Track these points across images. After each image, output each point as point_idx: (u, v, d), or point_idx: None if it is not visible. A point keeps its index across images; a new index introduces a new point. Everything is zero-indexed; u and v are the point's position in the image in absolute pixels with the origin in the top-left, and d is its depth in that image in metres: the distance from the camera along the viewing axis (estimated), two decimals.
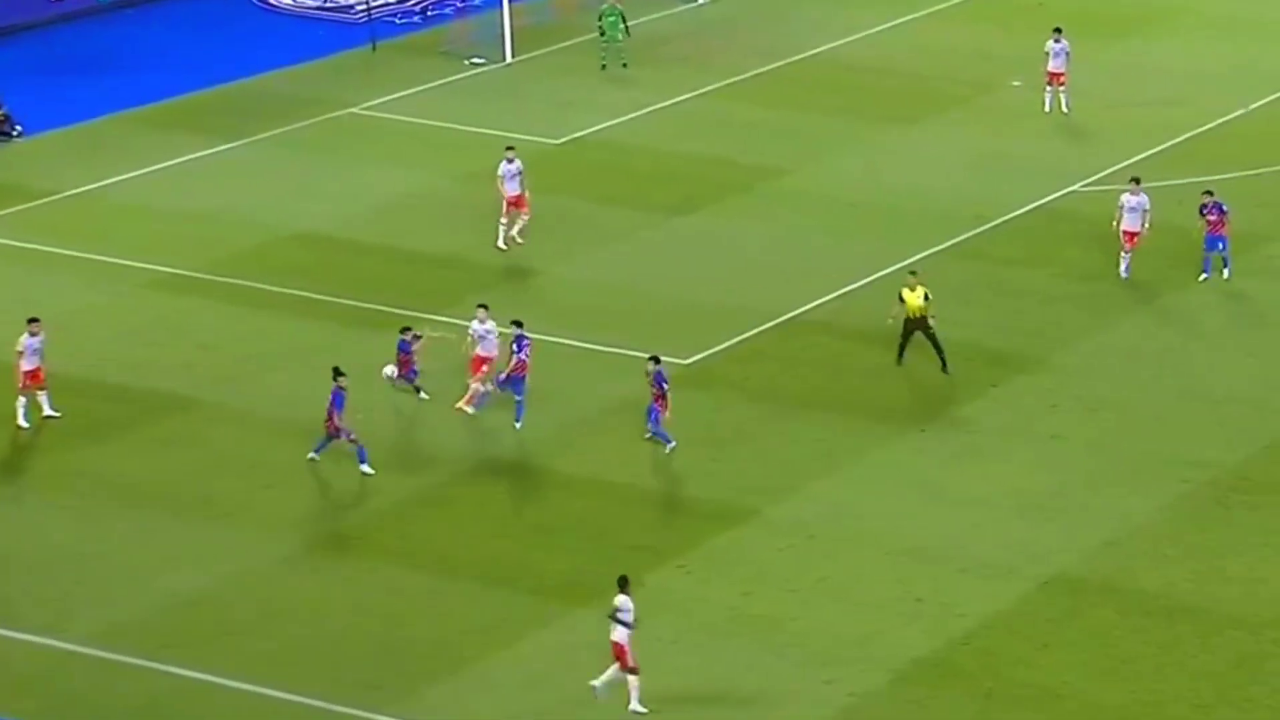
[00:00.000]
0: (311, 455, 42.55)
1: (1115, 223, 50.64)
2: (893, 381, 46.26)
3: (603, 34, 63.96)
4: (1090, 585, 38.43)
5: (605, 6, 63.57)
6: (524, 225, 52.36)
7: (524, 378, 43.88)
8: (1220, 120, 60.29)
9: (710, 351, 47.74)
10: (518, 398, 44.04)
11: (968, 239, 53.28)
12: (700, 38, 68.70)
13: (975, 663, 36.26)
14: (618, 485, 42.32)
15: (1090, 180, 56.53)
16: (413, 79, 64.97)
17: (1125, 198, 50.59)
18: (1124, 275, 50.37)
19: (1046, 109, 60.18)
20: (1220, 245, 49.97)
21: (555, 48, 67.26)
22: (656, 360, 43.44)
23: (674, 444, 42.90)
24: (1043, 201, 55.28)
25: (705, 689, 35.71)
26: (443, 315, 48.57)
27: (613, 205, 55.90)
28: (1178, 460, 42.55)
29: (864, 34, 68.16)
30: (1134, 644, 36.60)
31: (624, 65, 63.14)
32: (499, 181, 52.34)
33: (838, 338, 48.42)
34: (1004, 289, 50.64)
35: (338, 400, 42.09)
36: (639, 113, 62.08)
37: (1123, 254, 50.44)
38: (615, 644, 34.76)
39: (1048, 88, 60.27)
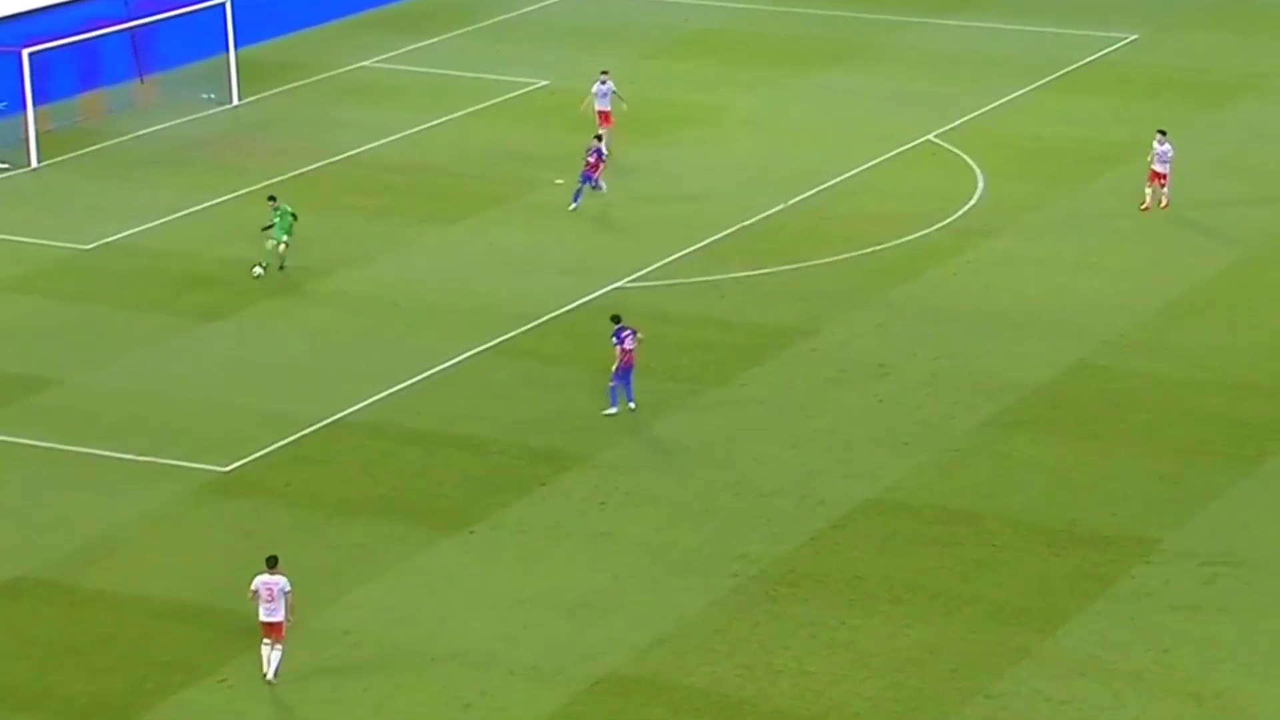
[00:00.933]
0: None
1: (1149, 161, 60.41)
2: (438, 483, 45.80)
3: (274, 229, 56.89)
4: (640, 684, 38.22)
5: (273, 209, 57.12)
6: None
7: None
8: (761, 215, 61.36)
9: (251, 458, 46.76)
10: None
11: (512, 337, 53.25)
12: (234, 140, 68.11)
13: None
14: (150, 599, 40.98)
15: (635, 276, 56.99)
16: None
17: (1157, 148, 60.09)
18: (1151, 205, 60.25)
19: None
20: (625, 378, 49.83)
21: (82, 152, 66.44)
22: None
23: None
24: (588, 298, 55.52)
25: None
26: None
27: (143, 310, 54.76)
28: (726, 554, 42.75)
29: (403, 134, 68.13)
30: None
31: (281, 268, 56.89)
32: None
33: (381, 439, 47.87)
34: (550, 385, 50.64)
35: None
36: (171, 216, 61.14)
37: (1150, 189, 60.32)
38: (277, 624, 36.93)
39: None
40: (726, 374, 51.18)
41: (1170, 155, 60.30)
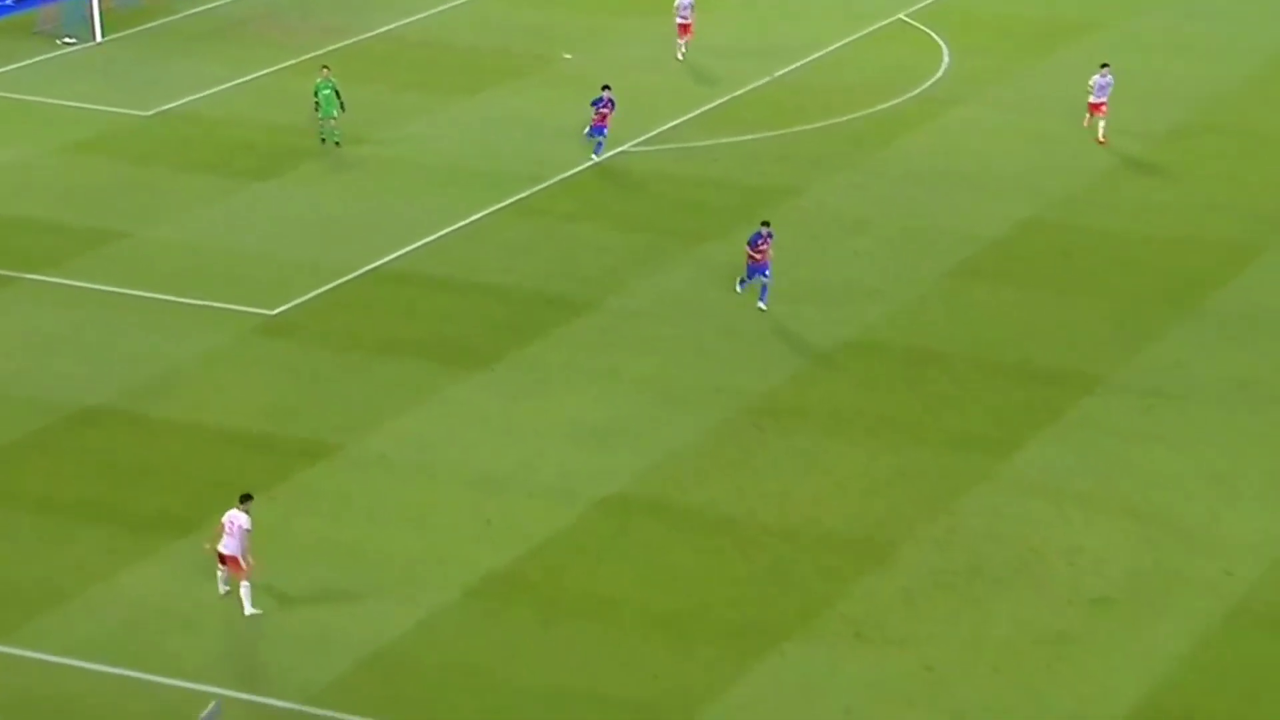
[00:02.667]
0: None
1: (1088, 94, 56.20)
2: (463, 326, 45.88)
3: (318, 108, 56.47)
4: (641, 504, 38.47)
5: (319, 81, 56.46)
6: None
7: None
8: (748, 87, 61.09)
9: (295, 302, 46.74)
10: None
11: (527, 196, 53.15)
12: (278, 18, 67.53)
13: (541, 576, 36.01)
14: (209, 427, 41.15)
15: (639, 141, 56.79)
16: (6, 58, 62.60)
17: (1095, 79, 55.88)
18: (1101, 139, 55.59)
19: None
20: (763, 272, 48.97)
21: (141, 28, 65.76)
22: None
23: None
24: (595, 161, 55.34)
25: (297, 607, 34.85)
26: (45, 275, 47.12)
27: (199, 172, 54.51)
28: (719, 390, 42.89)
29: (429, 13, 67.59)
30: (681, 555, 36.74)
31: (337, 144, 56.01)
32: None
33: (412, 287, 47.87)
34: (562, 241, 50.57)
35: None
36: (222, 87, 60.69)
37: (1092, 119, 56.11)
38: (231, 557, 34.53)
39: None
40: (721, 230, 51.09)
41: (1110, 87, 55.80)
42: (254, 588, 34.72)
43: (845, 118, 58.56)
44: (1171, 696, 32.51)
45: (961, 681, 32.96)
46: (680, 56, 62.95)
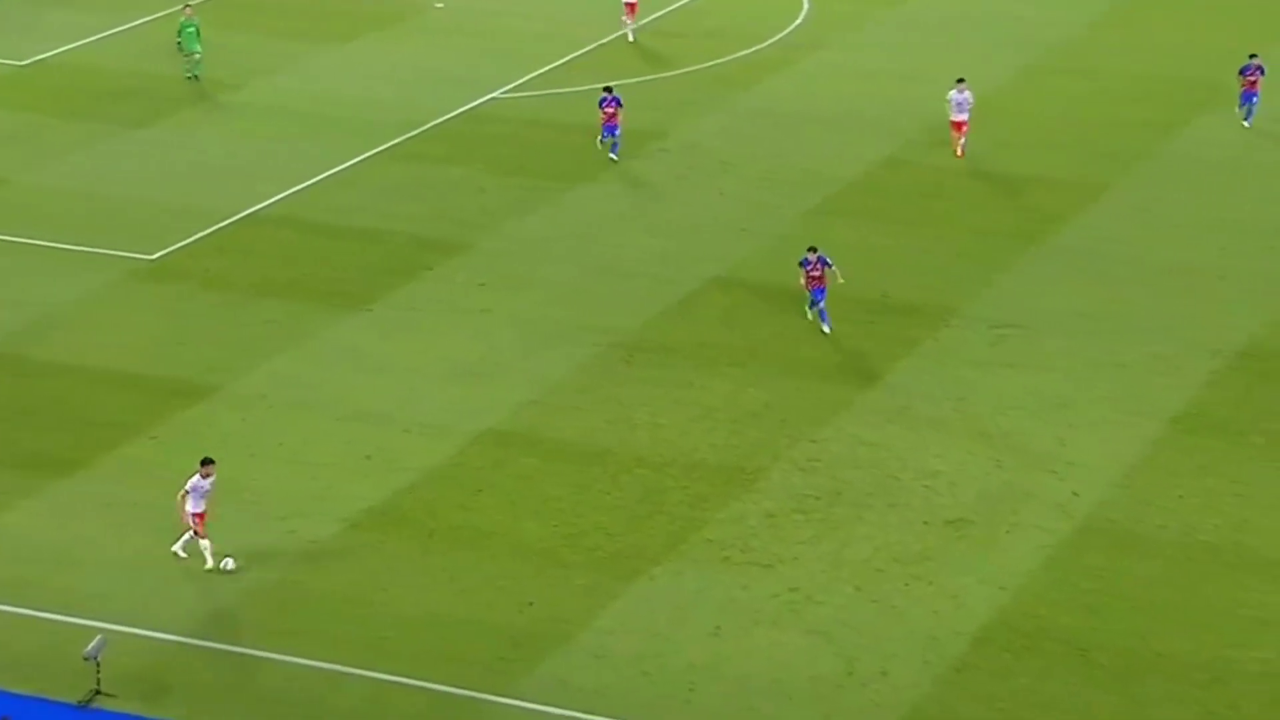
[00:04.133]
0: None
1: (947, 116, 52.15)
2: (340, 268, 45.68)
3: (180, 46, 56.73)
4: (517, 437, 38.55)
5: (182, 19, 56.68)
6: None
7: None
8: (616, 34, 61.04)
9: (173, 248, 46.40)
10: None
11: (402, 142, 52.93)
12: None
13: (419, 509, 36.03)
14: (90, 369, 40.82)
15: (510, 87, 56.68)
16: None
17: (953, 94, 51.72)
18: (959, 154, 51.69)
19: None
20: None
21: None
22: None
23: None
24: (467, 107, 55.23)
25: (170, 548, 34.72)
26: None
27: (76, 120, 53.97)
28: (591, 327, 42.98)
29: None
30: (555, 486, 36.85)
31: (197, 78, 56.14)
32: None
33: (289, 231, 47.62)
34: (437, 185, 50.43)
35: None
36: (97, 36, 60.05)
37: (958, 140, 51.87)
38: (195, 515, 33.77)
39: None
40: (591, 172, 51.14)
41: (969, 103, 51.59)
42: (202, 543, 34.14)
43: (710, 63, 58.66)
44: (1022, 611, 33.02)
45: (824, 600, 33.33)
46: (630, 38, 60.36)
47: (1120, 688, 30.99)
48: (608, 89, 51.99)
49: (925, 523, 35.56)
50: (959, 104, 51.55)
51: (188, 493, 33.82)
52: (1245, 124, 53.09)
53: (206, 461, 34.16)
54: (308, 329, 42.72)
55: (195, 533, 33.95)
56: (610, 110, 51.48)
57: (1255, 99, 52.81)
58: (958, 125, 51.65)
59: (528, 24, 62.04)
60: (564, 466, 37.47)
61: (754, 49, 59.80)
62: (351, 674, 31.43)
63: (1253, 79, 52.59)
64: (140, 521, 35.18)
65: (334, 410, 39.41)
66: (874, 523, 35.62)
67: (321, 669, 31.52)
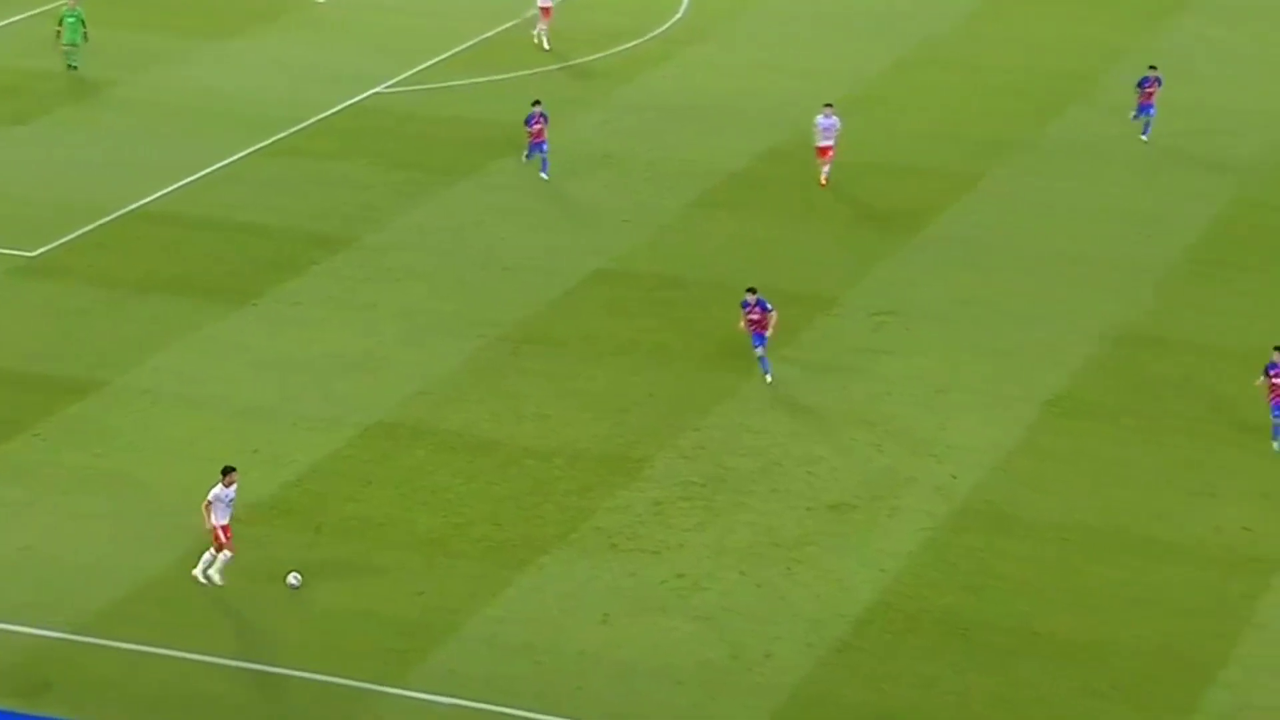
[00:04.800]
0: None
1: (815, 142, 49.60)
2: (225, 263, 45.31)
3: (59, 36, 55.64)
4: (404, 429, 38.39)
5: (65, 9, 55.74)
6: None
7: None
8: (499, 29, 60.94)
9: (55, 244, 45.86)
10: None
11: (286, 137, 52.58)
12: None
13: (307, 502, 35.80)
14: None
15: (393, 82, 56.47)
16: None
17: (819, 120, 49.20)
18: (823, 182, 49.18)
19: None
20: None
21: None
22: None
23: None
24: (350, 102, 54.96)
25: (67, 538, 34.31)
26: None
27: None
28: (477, 320, 42.87)
29: None
30: (443, 477, 36.75)
31: (75, 68, 55.43)
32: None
33: (173, 227, 47.20)
34: (322, 179, 50.14)
35: None
36: None
37: (823, 167, 49.28)
38: (223, 528, 32.84)
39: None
40: (476, 165, 51.03)
41: (835, 128, 49.35)
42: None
43: (590, 58, 58.67)
44: (903, 592, 33.27)
45: (709, 586, 33.43)
46: (545, 46, 58.83)
47: (1000, 667, 31.30)
48: (536, 103, 50.05)
49: (808, 508, 35.75)
50: (825, 129, 49.11)
51: (211, 503, 32.92)
52: (1143, 137, 52.09)
53: (228, 470, 33.13)
54: (193, 324, 42.34)
55: (218, 546, 32.93)
56: (538, 127, 49.49)
57: (1152, 111, 51.88)
58: (823, 151, 49.33)
59: (409, 19, 61.81)
60: (452, 457, 37.38)
61: (634, 43, 59.86)
62: (240, 667, 31.21)
63: (1150, 90, 51.77)
64: (26, 519, 34.74)
65: (221, 405, 39.10)
66: (757, 508, 35.77)
67: (210, 663, 31.28)
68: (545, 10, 59.08)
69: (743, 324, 40.32)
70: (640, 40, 60.18)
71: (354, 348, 41.61)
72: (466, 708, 30.37)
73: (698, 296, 44.04)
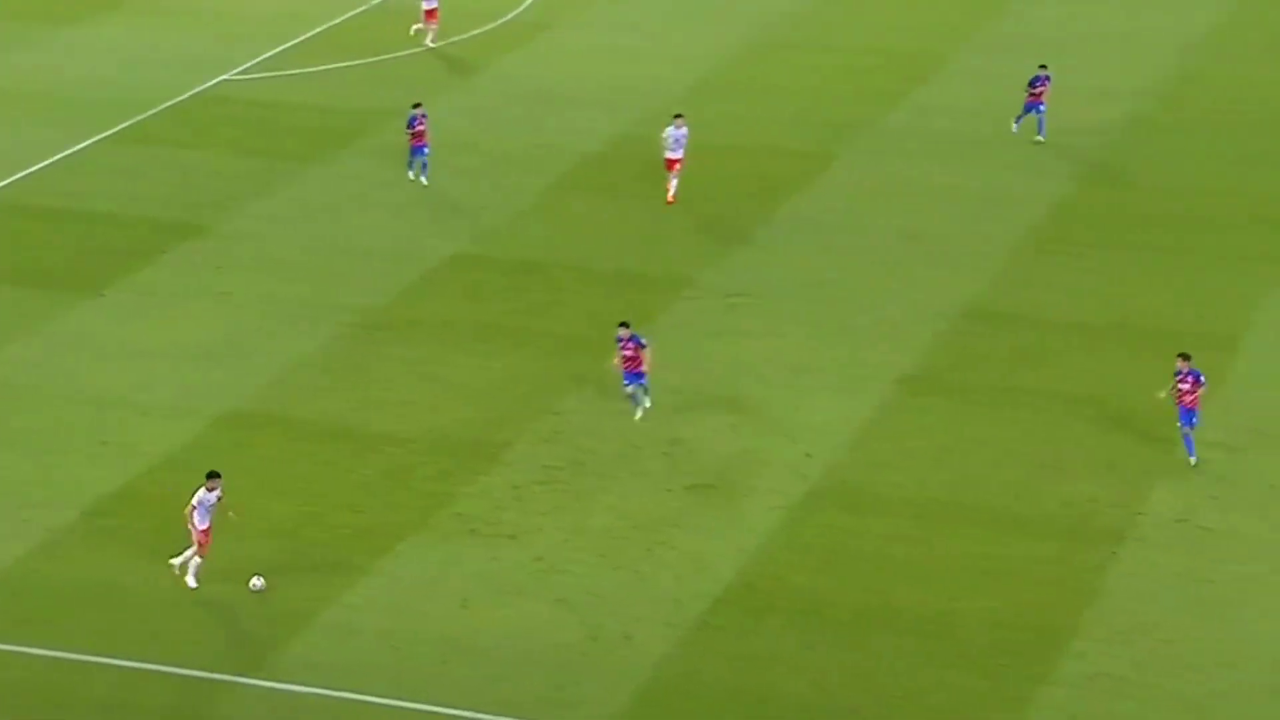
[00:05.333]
0: None
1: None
2: (73, 252, 44.78)
3: None
4: (258, 418, 38.12)
5: None
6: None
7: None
8: (346, 15, 60.62)
9: None
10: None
11: (133, 124, 51.98)
12: None
13: (158, 493, 35.29)
14: None
15: (242, 69, 55.99)
16: None
17: (669, 131, 47.38)
18: (670, 199, 47.38)
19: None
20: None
21: None
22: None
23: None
24: (199, 89, 54.42)
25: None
26: None
27: None
28: (333, 306, 42.64)
29: None
30: (300, 465, 36.53)
31: None
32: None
33: (18, 217, 46.55)
34: (171, 167, 49.64)
35: None
36: None
37: (670, 180, 47.52)
38: (204, 531, 32.53)
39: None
40: (330, 152, 50.72)
41: (685, 139, 47.39)
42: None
43: (444, 42, 58.47)
44: (760, 571, 33.51)
45: (568, 569, 33.50)
46: (429, 43, 57.89)
47: (855, 642, 31.63)
48: (417, 105, 48.29)
49: (667, 490, 35.89)
50: (676, 140, 47.13)
51: (195, 508, 32.56)
52: (1039, 137, 51.22)
53: (212, 475, 32.80)
54: (39, 315, 41.80)
55: (199, 550, 32.62)
56: (420, 129, 47.78)
57: (1043, 108, 51.14)
58: (671, 163, 47.23)
59: (259, 5, 61.29)
60: (309, 446, 37.17)
61: (487, 28, 59.74)
62: (97, 663, 30.88)
63: (1040, 91, 51.19)
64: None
65: (69, 396, 38.63)
66: (617, 491, 35.87)
67: (65, 659, 30.92)
68: (430, 13, 57.91)
69: (617, 360, 38.02)
70: (492, 25, 60.06)
71: (208, 336, 41.26)
72: (326, 696, 30.26)
73: (556, 280, 44.07)
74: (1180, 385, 36.05)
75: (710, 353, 40.97)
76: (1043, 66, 51.64)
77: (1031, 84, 51.39)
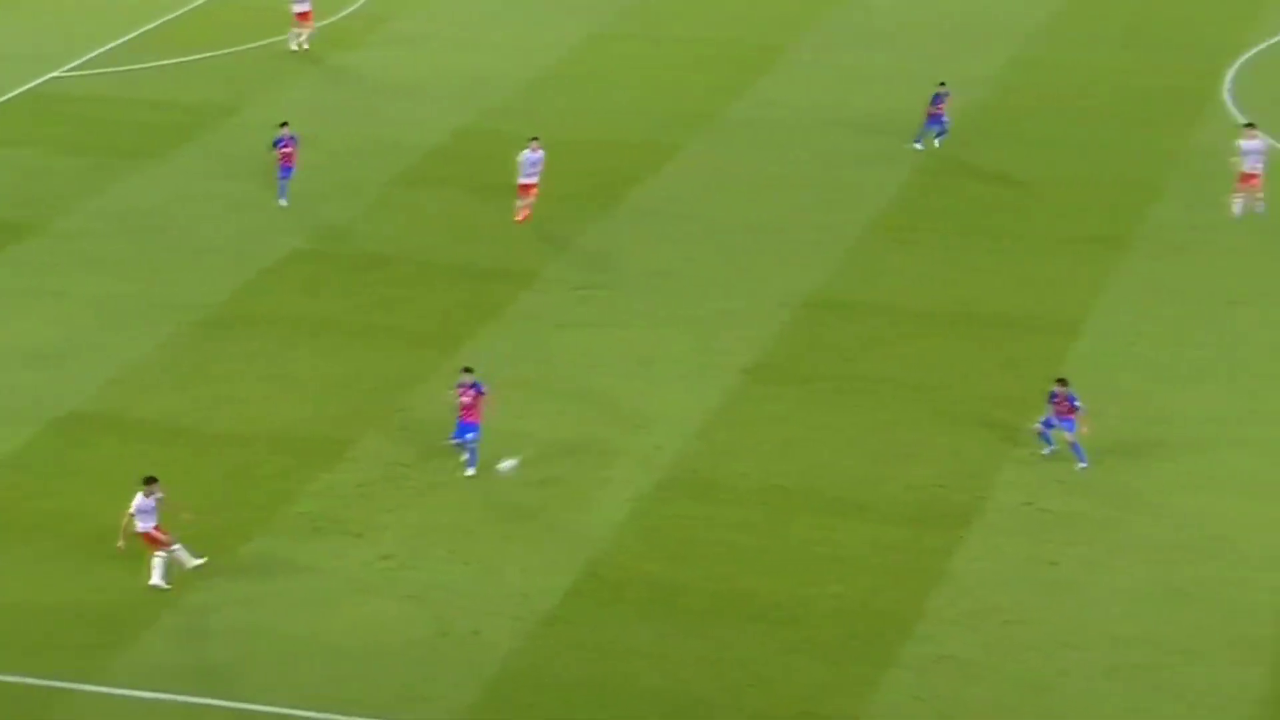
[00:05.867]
0: None
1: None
2: None
3: None
4: (95, 420, 37.61)
5: None
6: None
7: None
8: (185, 9, 59.95)
9: None
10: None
11: None
12: None
13: None
14: None
15: (74, 65, 55.21)
16: None
17: (525, 154, 45.76)
18: (521, 218, 46.05)
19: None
20: None
21: None
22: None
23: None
24: (28, 87, 53.57)
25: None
26: None
27: None
28: (171, 304, 42.18)
29: None
30: (138, 466, 35.38)
31: None
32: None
33: None
34: (3, 166, 48.87)
35: None
36: None
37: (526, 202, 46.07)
38: (146, 534, 32.34)
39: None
40: (165, 149, 50.17)
41: (540, 162, 45.91)
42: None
43: (282, 36, 57.97)
44: (610, 562, 33.56)
45: (417, 566, 33.36)
46: (297, 46, 56.50)
47: (703, 630, 31.77)
48: (284, 125, 47.02)
49: (515, 484, 35.83)
50: (532, 163, 45.91)
51: (133, 515, 32.36)
52: (935, 142, 50.69)
53: (149, 480, 32.86)
54: None
55: (155, 549, 32.40)
56: (288, 150, 46.54)
57: (946, 120, 50.79)
58: (526, 189, 45.98)
59: (88, 1, 60.45)
60: (148, 447, 36.73)
61: (326, 22, 59.30)
62: None
63: (940, 107, 50.75)
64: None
65: None
66: (465, 486, 35.76)
67: None
68: (303, 15, 56.73)
69: (454, 401, 36.26)
70: (334, 18, 59.64)
71: (42, 337, 40.66)
72: (171, 701, 29.92)
73: (400, 275, 43.87)
74: (1058, 408, 36.37)
75: (557, 345, 40.98)
76: (941, 84, 51.25)
77: (935, 100, 50.80)
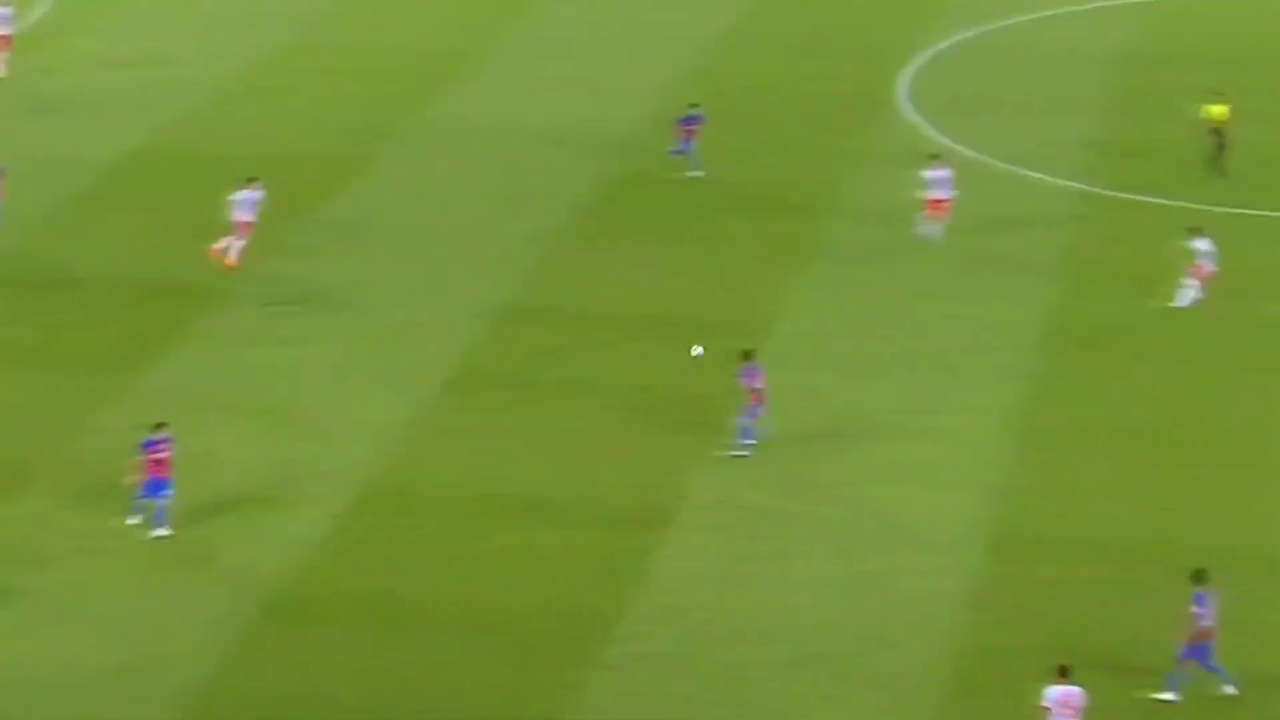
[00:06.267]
0: None
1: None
2: None
3: None
4: None
5: None
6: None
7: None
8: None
9: None
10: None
11: None
12: None
13: None
14: None
15: None
16: None
17: (243, 194, 43.78)
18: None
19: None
20: None
21: None
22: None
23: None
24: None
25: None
26: None
27: None
28: None
29: None
30: None
31: None
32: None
33: None
34: None
35: None
36: None
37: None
38: None
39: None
40: None
41: (258, 202, 44.02)
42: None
43: None
44: (310, 579, 33.31)
45: (107, 593, 32.65)
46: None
47: (406, 642, 31.71)
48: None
49: (208, 504, 35.29)
50: (250, 203, 43.77)
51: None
52: (696, 173, 50.03)
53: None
54: None
55: None
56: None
57: (691, 145, 50.16)
58: (242, 226, 43.64)
59: None
60: None
61: None
62: None
63: (693, 128, 50.26)
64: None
65: None
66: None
67: None
68: (3, 39, 55.04)
69: (138, 464, 34.43)
70: (4, 32, 58.22)
71: None
72: None
73: (84, 297, 43.10)
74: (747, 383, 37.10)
75: (248, 362, 40.61)
76: (693, 105, 50.97)
77: (684, 122, 50.43)
